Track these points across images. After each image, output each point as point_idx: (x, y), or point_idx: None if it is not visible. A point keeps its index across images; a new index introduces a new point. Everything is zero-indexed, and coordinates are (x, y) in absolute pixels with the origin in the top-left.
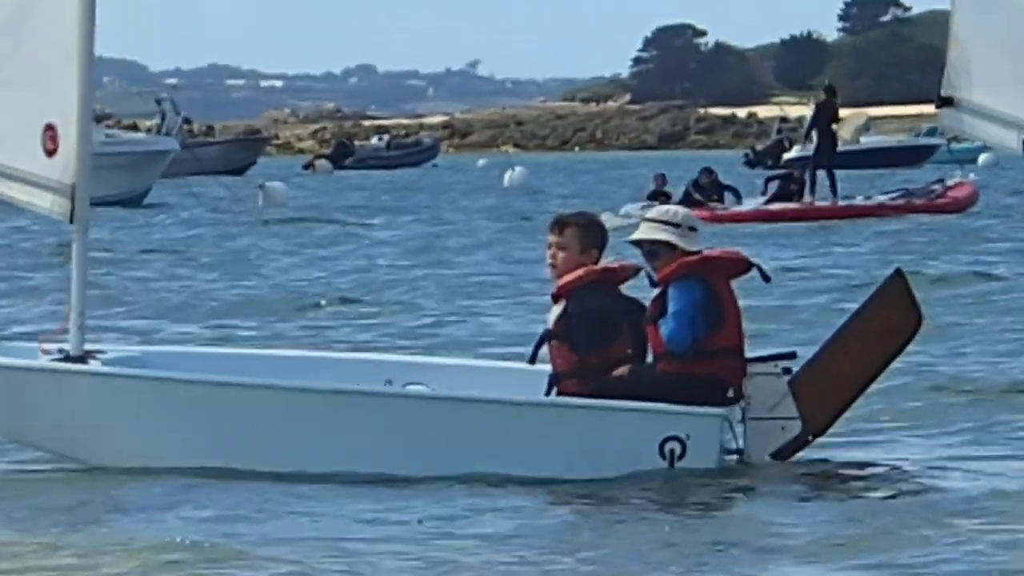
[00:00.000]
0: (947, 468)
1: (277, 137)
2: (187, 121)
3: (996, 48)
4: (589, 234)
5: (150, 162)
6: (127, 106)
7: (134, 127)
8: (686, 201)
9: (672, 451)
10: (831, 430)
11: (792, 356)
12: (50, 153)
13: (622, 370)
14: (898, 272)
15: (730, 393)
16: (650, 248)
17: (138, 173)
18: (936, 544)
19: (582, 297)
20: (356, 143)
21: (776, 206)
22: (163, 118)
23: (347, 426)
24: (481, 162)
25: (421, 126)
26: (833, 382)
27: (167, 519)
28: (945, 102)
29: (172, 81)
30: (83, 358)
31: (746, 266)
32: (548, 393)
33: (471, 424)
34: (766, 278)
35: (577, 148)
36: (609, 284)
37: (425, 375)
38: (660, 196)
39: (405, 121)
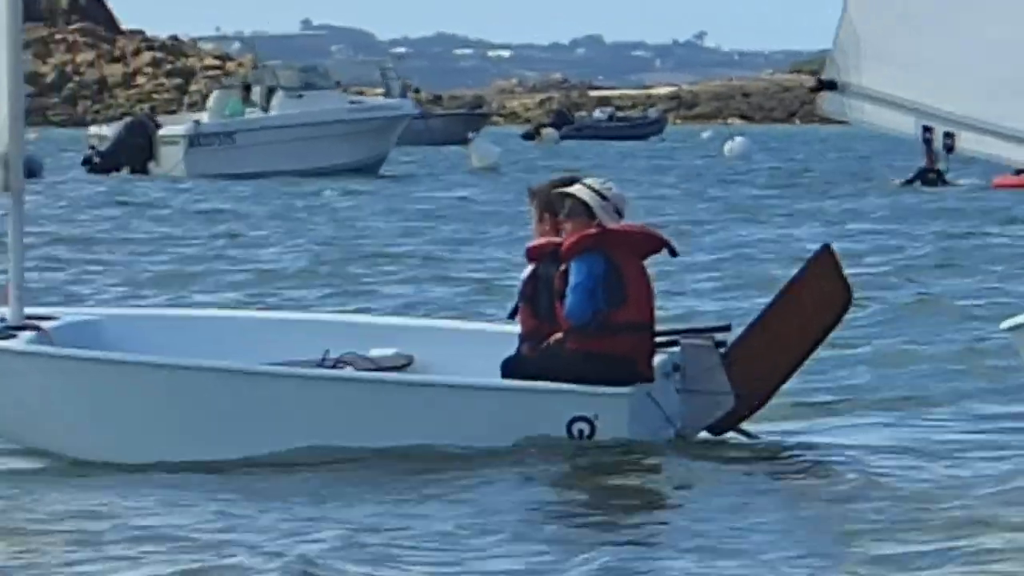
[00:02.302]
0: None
1: (504, 107)
2: (415, 90)
3: (892, 28)
4: (538, 203)
5: (388, 128)
6: (354, 74)
7: (361, 95)
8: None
9: (581, 431)
10: (765, 406)
11: (727, 329)
12: None
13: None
14: (826, 247)
15: (639, 371)
16: (570, 206)
17: (377, 139)
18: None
19: (545, 265)
20: (583, 114)
21: None
22: (387, 88)
23: (249, 406)
24: (705, 134)
25: (648, 97)
26: (767, 356)
27: (166, 517)
28: (827, 86)
29: (400, 50)
30: (21, 328)
31: (658, 243)
32: (506, 374)
33: (372, 402)
34: (673, 253)
35: (798, 120)
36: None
37: (358, 335)
38: (931, 172)
39: (631, 92)
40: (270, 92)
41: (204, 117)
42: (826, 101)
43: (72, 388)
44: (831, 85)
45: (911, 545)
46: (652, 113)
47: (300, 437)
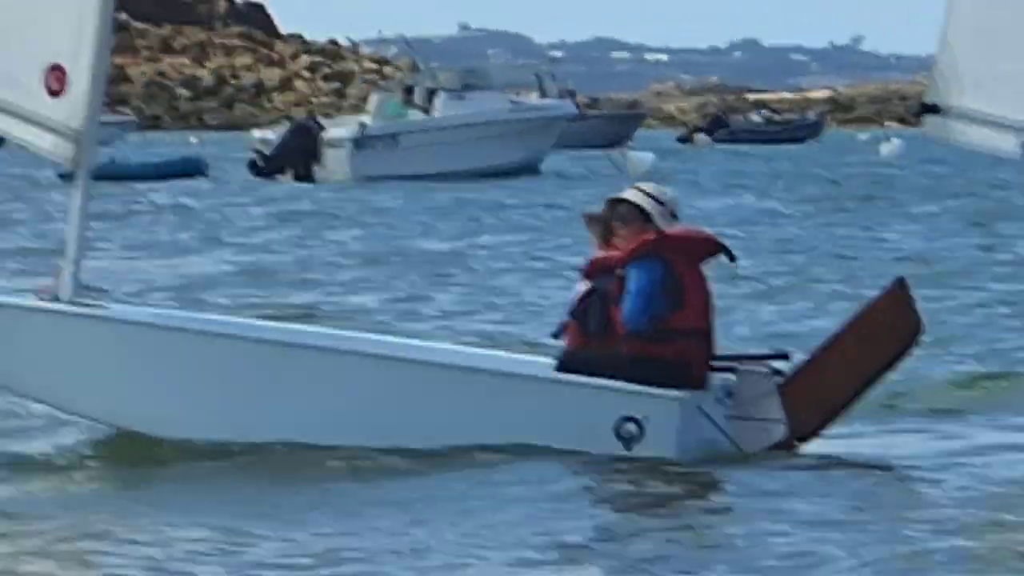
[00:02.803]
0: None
1: (660, 110)
2: (571, 93)
3: (990, 49)
4: (594, 226)
5: (547, 129)
6: (511, 78)
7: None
8: None
9: (629, 432)
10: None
11: (784, 357)
12: (54, 93)
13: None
14: (900, 280)
15: (692, 377)
16: (625, 211)
17: (536, 139)
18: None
19: (602, 281)
20: (739, 117)
21: None
22: (542, 90)
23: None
24: (862, 136)
25: (805, 100)
26: (825, 388)
27: (193, 507)
28: (928, 109)
29: (556, 54)
30: (74, 303)
31: (715, 247)
32: (557, 370)
33: (423, 390)
34: (732, 259)
35: None
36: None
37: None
38: None
39: (788, 95)
40: (431, 94)
41: (365, 120)
42: (929, 125)
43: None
44: (934, 109)
45: (963, 553)
46: (810, 116)
47: (350, 420)
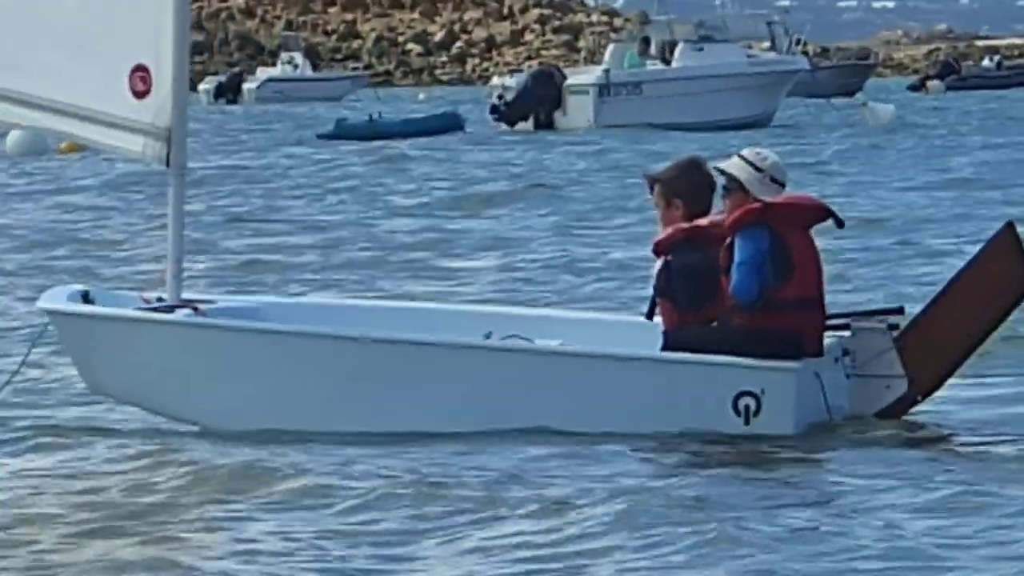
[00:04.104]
0: None
1: (891, 59)
2: (802, 43)
3: None
4: (669, 187)
5: (781, 82)
6: (741, 28)
7: (749, 48)
8: None
9: (747, 407)
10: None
11: (900, 311)
12: (140, 95)
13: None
14: (1008, 225)
15: (807, 347)
16: (726, 183)
17: (770, 93)
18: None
19: (675, 255)
20: (970, 63)
21: None
22: (773, 41)
23: (423, 377)
24: None
25: None
26: (942, 340)
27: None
28: None
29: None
30: (180, 307)
31: (823, 213)
32: (663, 350)
33: (534, 376)
34: (839, 223)
35: None
36: (700, 239)
37: (527, 328)
38: None
39: (1017, 41)
40: (668, 46)
41: (598, 71)
42: None
43: (241, 359)
44: None
45: None
46: None
47: (455, 409)
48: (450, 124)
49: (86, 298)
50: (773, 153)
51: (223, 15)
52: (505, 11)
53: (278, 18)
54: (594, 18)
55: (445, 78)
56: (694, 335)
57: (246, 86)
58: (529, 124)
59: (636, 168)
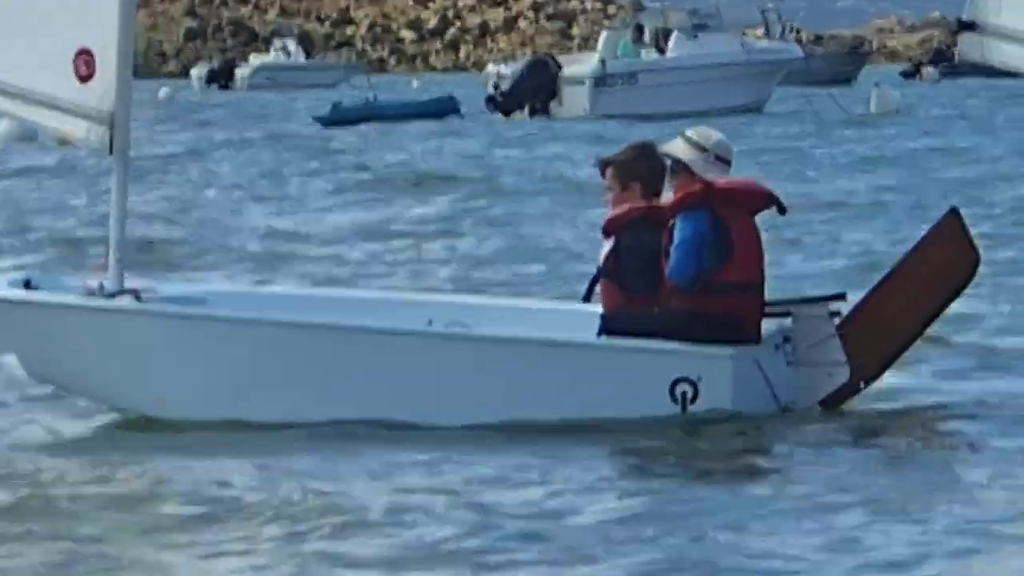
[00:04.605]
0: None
1: (885, 46)
2: (796, 31)
3: None
4: (625, 170)
5: (774, 70)
6: (734, 16)
7: (743, 36)
8: None
9: (684, 394)
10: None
11: (842, 297)
12: (84, 79)
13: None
14: (953, 210)
15: (745, 332)
16: (672, 165)
17: (764, 81)
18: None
19: (628, 234)
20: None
21: None
22: (767, 29)
23: (351, 364)
24: None
25: None
26: (885, 326)
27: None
28: (966, 26)
29: None
30: (120, 294)
31: (768, 199)
32: (600, 334)
33: (470, 362)
34: (782, 210)
35: None
36: (656, 220)
37: (469, 315)
38: None
39: None
40: (662, 33)
41: (594, 59)
42: (965, 42)
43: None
44: (970, 26)
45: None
46: None
47: (391, 396)
48: (446, 108)
49: (28, 285)
50: (717, 132)
51: (216, 1)
52: None
53: (271, 5)
54: (588, 5)
55: (439, 65)
56: (632, 319)
57: (239, 72)
58: (524, 113)
59: None
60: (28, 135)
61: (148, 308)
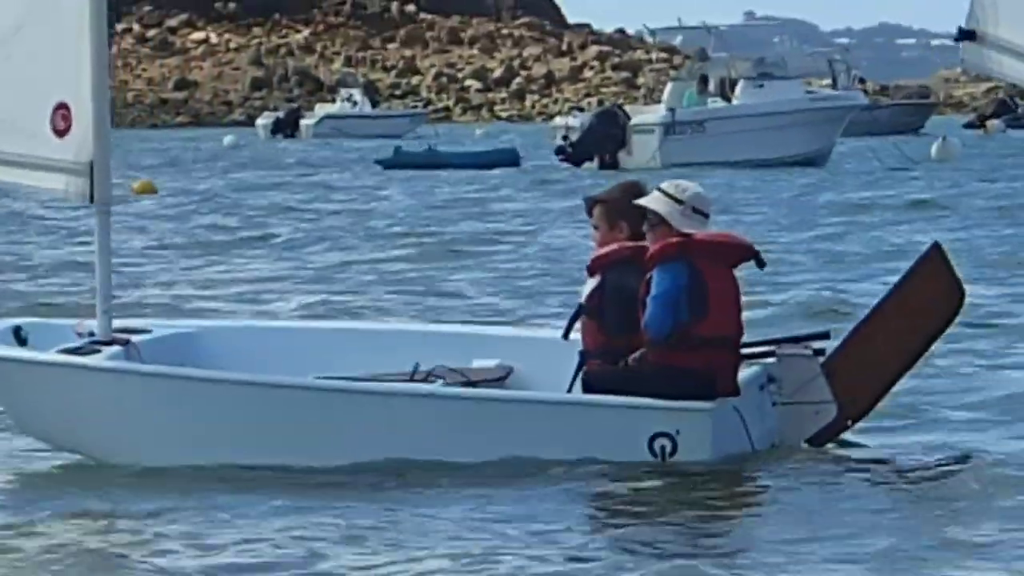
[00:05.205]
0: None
1: (951, 96)
2: (861, 81)
3: None
4: (613, 209)
5: (839, 116)
6: (800, 65)
7: (808, 86)
8: None
9: (663, 447)
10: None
11: (826, 336)
12: (61, 133)
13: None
14: (936, 246)
15: (719, 387)
16: (649, 218)
17: (829, 128)
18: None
19: (614, 274)
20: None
21: None
22: (834, 79)
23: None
24: None
25: None
26: (871, 363)
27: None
28: (966, 35)
29: (843, 41)
30: (110, 342)
31: (747, 251)
32: (578, 371)
33: (449, 417)
34: (761, 264)
35: None
36: (643, 263)
37: (459, 347)
38: None
39: None
40: (727, 83)
41: (661, 109)
42: (966, 52)
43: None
44: (970, 35)
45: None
46: None
47: (374, 452)
48: (507, 159)
49: (18, 333)
50: (695, 184)
51: (282, 51)
52: (564, 47)
53: (337, 54)
54: (653, 55)
55: (504, 114)
56: (609, 374)
57: (304, 122)
58: (594, 164)
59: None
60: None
61: (118, 366)
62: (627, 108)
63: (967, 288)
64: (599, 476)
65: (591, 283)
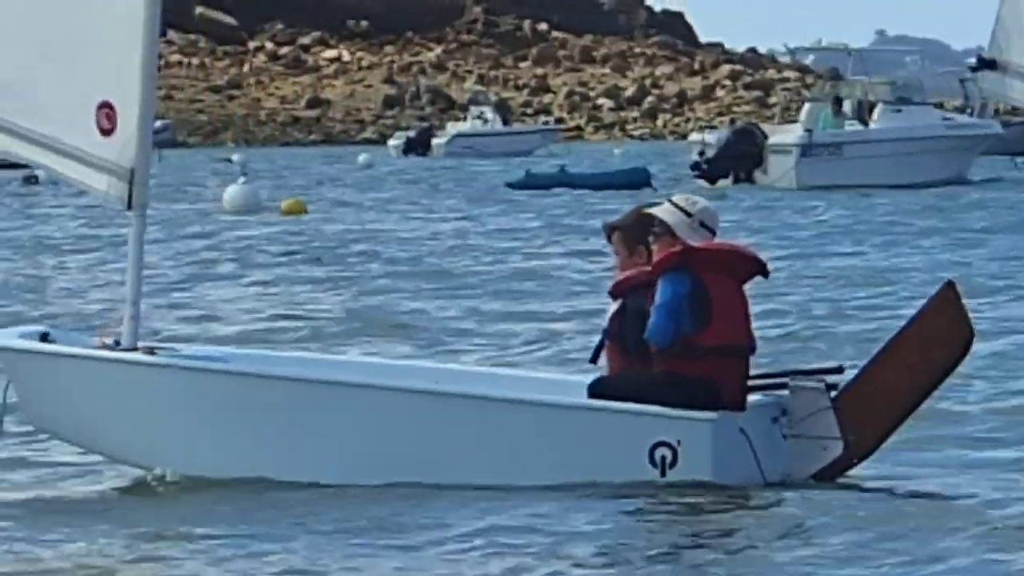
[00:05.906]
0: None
1: None
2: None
3: None
4: (631, 234)
5: (975, 144)
6: (931, 86)
7: (940, 106)
8: None
9: (664, 458)
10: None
11: (839, 370)
12: (106, 132)
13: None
14: (949, 284)
15: (724, 396)
16: (655, 228)
17: (965, 155)
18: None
19: (634, 298)
20: None
21: None
22: (966, 98)
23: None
24: None
25: None
26: (880, 401)
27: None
28: (987, 65)
29: (972, 61)
30: (135, 350)
31: (751, 263)
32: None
33: (447, 422)
34: (765, 275)
35: None
36: None
37: (463, 384)
38: None
39: None
40: (864, 106)
41: (798, 129)
42: (985, 80)
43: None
44: (991, 64)
45: None
46: None
47: (372, 455)
48: (639, 180)
49: (45, 339)
50: (705, 200)
51: (414, 69)
52: (696, 66)
53: (469, 72)
54: (786, 74)
55: (636, 133)
56: (615, 381)
57: (435, 141)
58: (728, 181)
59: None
60: (252, 206)
61: (163, 360)
62: (763, 127)
63: None
64: (598, 483)
65: (613, 307)
